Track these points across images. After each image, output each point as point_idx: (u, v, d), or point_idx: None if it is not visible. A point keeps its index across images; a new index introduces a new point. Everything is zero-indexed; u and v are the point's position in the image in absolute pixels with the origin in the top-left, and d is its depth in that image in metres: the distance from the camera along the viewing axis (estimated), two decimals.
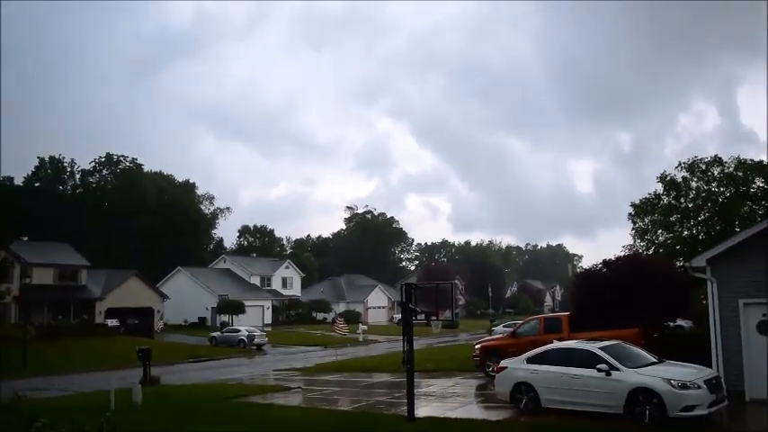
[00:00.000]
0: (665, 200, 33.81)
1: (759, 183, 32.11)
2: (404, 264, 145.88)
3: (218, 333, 53.59)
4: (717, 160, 33.15)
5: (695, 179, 33.19)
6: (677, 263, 27.96)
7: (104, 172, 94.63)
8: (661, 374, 13.90)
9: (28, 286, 43.77)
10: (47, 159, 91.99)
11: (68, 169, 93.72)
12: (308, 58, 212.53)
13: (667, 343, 20.07)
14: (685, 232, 32.89)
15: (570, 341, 17.60)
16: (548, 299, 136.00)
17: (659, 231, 33.77)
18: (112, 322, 55.58)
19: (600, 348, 15.05)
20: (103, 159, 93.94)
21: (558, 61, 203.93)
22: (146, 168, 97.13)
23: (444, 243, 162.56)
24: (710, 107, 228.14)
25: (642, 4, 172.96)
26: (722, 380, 14.87)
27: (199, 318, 68.84)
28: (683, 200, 33.46)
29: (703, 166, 33.06)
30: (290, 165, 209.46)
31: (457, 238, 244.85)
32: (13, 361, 34.62)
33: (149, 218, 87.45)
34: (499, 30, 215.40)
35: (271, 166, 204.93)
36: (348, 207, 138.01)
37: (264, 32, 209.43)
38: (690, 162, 33.28)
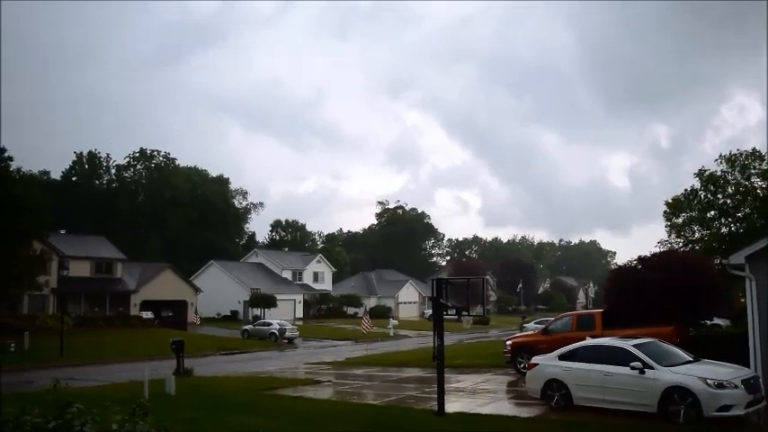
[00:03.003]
0: (702, 195, 33.14)
1: None
2: (434, 259, 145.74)
3: (250, 326, 54.08)
4: (756, 154, 32.38)
5: (734, 174, 32.43)
6: (714, 260, 27.39)
7: (138, 167, 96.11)
8: (697, 373, 13.63)
9: (65, 278, 44.71)
10: (84, 154, 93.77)
11: (104, 164, 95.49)
12: (334, 49, 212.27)
13: (703, 341, 19.70)
14: (723, 229, 32.22)
15: (603, 338, 17.37)
16: (581, 295, 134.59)
17: (696, 228, 33.15)
18: (147, 314, 56.48)
19: (634, 346, 14.82)
20: (137, 154, 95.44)
21: (592, 51, 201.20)
22: (180, 163, 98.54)
23: (475, 238, 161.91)
24: (752, 99, 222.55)
25: None
26: (760, 380, 14.52)
27: (231, 311, 69.57)
28: (720, 195, 32.76)
29: (743, 161, 32.30)
30: (319, 159, 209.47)
31: (488, 234, 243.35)
32: (50, 351, 35.41)
33: (182, 212, 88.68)
34: (531, 18, 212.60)
35: (299, 159, 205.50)
36: (379, 202, 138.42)
37: (290, 22, 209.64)
38: (729, 156, 32.54)
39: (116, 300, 56.95)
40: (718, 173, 32.39)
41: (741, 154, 32.44)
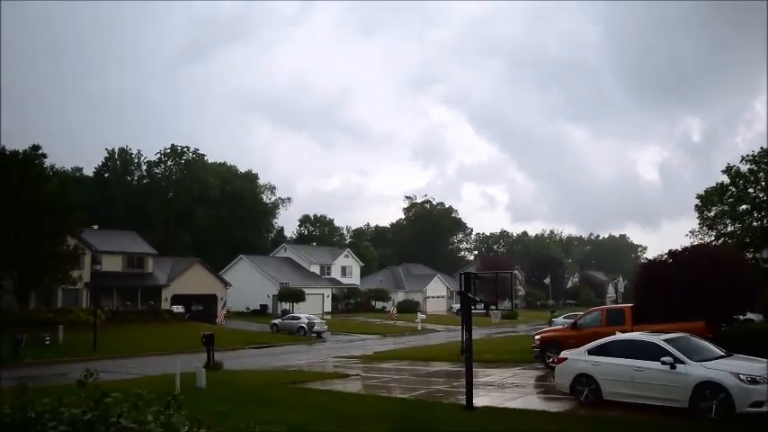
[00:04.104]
0: (733, 190, 32.69)
1: None
2: (462, 254, 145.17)
3: (279, 320, 54.46)
4: None
5: (762, 171, 31.97)
6: (747, 254, 26.99)
7: (169, 163, 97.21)
8: (729, 368, 13.44)
9: (98, 273, 45.47)
10: (116, 151, 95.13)
11: (135, 160, 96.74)
12: (359, 45, 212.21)
13: (736, 337, 19.40)
14: (755, 223, 31.74)
15: (634, 333, 17.21)
16: (610, 290, 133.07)
17: (728, 221, 32.70)
18: (178, 308, 57.23)
19: (665, 340, 14.66)
20: (168, 151, 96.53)
21: (621, 44, 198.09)
22: (209, 159, 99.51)
23: (503, 233, 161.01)
24: None
25: None
26: None
27: (260, 305, 70.15)
28: (751, 190, 32.28)
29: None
30: (346, 154, 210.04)
31: (515, 228, 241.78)
32: (83, 344, 36.10)
33: (212, 207, 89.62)
34: (558, 13, 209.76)
35: (326, 155, 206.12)
36: (407, 197, 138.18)
37: (315, 20, 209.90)
38: (755, 155, 32.07)
39: (147, 294, 57.80)
40: (745, 171, 31.95)
41: (764, 152, 31.95)
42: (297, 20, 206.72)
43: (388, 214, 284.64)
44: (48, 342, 36.47)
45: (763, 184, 31.90)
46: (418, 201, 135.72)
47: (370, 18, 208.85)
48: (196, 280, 61.50)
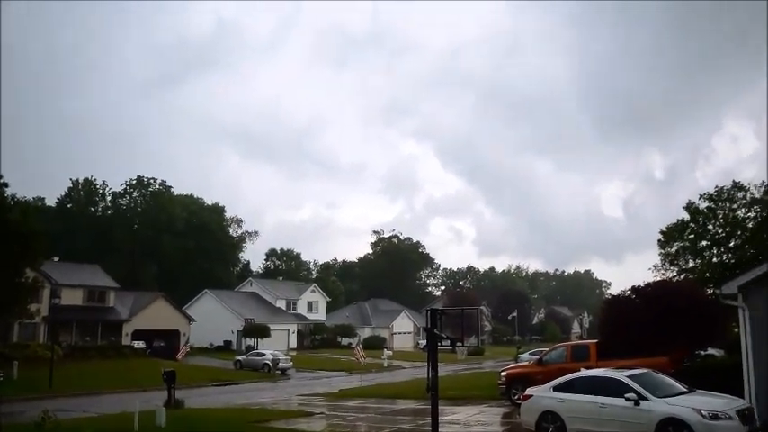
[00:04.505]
0: (693, 227, 33.46)
1: None
2: (429, 289, 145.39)
3: (243, 357, 53.61)
4: (738, 186, 32.82)
5: (720, 209, 32.88)
6: (708, 289, 27.47)
7: (135, 194, 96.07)
8: (691, 404, 13.55)
9: (57, 306, 44.39)
10: (80, 181, 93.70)
11: (100, 191, 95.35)
12: (330, 77, 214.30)
13: (698, 372, 19.60)
14: (715, 258, 32.44)
15: (598, 369, 17.28)
16: (575, 326, 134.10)
17: (689, 257, 33.37)
18: (139, 344, 56.00)
19: (628, 377, 14.74)
20: (134, 182, 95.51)
21: (588, 81, 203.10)
22: (176, 190, 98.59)
23: (470, 268, 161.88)
24: (746, 130, 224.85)
25: (675, 23, 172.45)
26: (754, 410, 14.44)
27: (224, 341, 69.02)
28: (711, 226, 33.07)
29: (727, 194, 32.75)
30: (315, 186, 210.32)
31: (482, 263, 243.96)
32: (40, 381, 34.99)
33: (178, 240, 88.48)
34: (527, 48, 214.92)
35: (295, 187, 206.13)
36: (375, 231, 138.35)
37: (287, 50, 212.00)
38: (711, 194, 33.02)
39: (108, 329, 56.47)
40: (703, 208, 32.82)
41: (723, 190, 32.91)
42: (268, 50, 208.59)
43: (355, 248, 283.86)
44: (1, 378, 35.25)
45: (721, 220, 32.73)
46: (386, 235, 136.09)
47: (341, 49, 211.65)
48: (159, 315, 60.34)
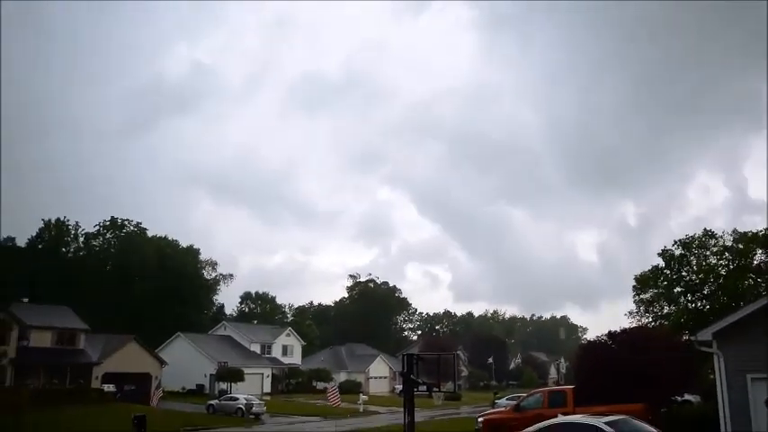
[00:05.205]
0: (668, 273, 33.88)
1: (760, 255, 32.19)
2: (406, 333, 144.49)
3: (216, 401, 52.53)
4: (710, 234, 33.44)
5: (693, 256, 33.43)
6: (683, 336, 27.70)
7: (108, 235, 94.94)
8: None
9: (25, 349, 43.33)
10: (52, 221, 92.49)
11: (72, 232, 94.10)
12: (305, 123, 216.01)
13: (675, 418, 19.63)
14: (690, 305, 32.79)
15: (575, 416, 17.23)
16: (552, 371, 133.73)
17: (663, 303, 33.69)
18: (109, 387, 54.61)
19: (606, 423, 14.67)
20: (108, 223, 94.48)
21: (560, 131, 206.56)
22: (150, 233, 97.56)
23: (446, 313, 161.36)
24: (716, 179, 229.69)
25: (646, 73, 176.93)
26: None
27: (197, 385, 67.69)
28: (685, 273, 33.53)
29: (698, 241, 33.35)
30: (290, 231, 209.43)
31: (458, 308, 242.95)
32: (6, 428, 33.86)
33: (151, 282, 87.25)
34: (499, 98, 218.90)
35: (270, 232, 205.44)
36: (351, 275, 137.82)
37: (260, 93, 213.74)
38: (684, 240, 33.61)
39: (77, 372, 55.00)
40: (677, 255, 33.33)
41: (695, 237, 33.52)
42: (243, 95, 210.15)
43: (331, 292, 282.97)
44: None
45: (694, 267, 33.21)
46: (362, 279, 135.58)
47: (316, 96, 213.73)
48: (130, 358, 59.05)
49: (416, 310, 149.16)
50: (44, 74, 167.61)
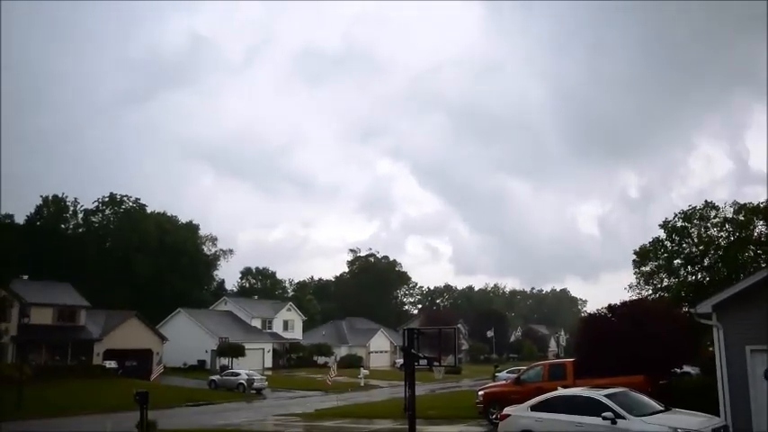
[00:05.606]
0: (669, 245, 33.81)
1: (761, 227, 32.09)
2: (407, 307, 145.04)
3: (218, 376, 52.89)
4: (711, 205, 33.30)
5: (693, 227, 33.31)
6: (683, 308, 27.71)
7: (107, 212, 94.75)
8: (668, 423, 13.57)
9: (26, 326, 43.42)
10: (50, 198, 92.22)
11: (71, 208, 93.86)
12: (305, 96, 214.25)
13: (674, 390, 19.69)
14: (690, 277, 32.77)
15: (575, 388, 17.27)
16: (552, 344, 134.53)
17: (663, 276, 33.66)
18: (110, 364, 54.95)
19: (605, 396, 14.74)
20: (107, 199, 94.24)
21: (563, 102, 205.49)
22: (149, 208, 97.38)
23: (447, 287, 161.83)
24: (718, 149, 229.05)
25: (650, 45, 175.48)
26: (730, 428, 14.52)
27: (198, 360, 68.08)
28: (685, 245, 33.44)
29: (700, 212, 33.20)
30: (290, 205, 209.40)
31: (459, 281, 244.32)
32: (7, 402, 34.10)
33: (151, 258, 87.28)
34: (502, 69, 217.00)
35: (270, 206, 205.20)
36: (351, 250, 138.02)
37: (261, 66, 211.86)
38: (686, 212, 33.45)
39: (78, 348, 55.31)
40: (679, 227, 33.19)
41: (696, 208, 33.36)
42: (242, 67, 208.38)
43: (331, 267, 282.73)
44: None
45: (695, 239, 33.15)
46: (362, 254, 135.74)
47: (316, 68, 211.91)
48: (131, 334, 59.32)
49: (417, 283, 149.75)
50: (40, 46, 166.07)
